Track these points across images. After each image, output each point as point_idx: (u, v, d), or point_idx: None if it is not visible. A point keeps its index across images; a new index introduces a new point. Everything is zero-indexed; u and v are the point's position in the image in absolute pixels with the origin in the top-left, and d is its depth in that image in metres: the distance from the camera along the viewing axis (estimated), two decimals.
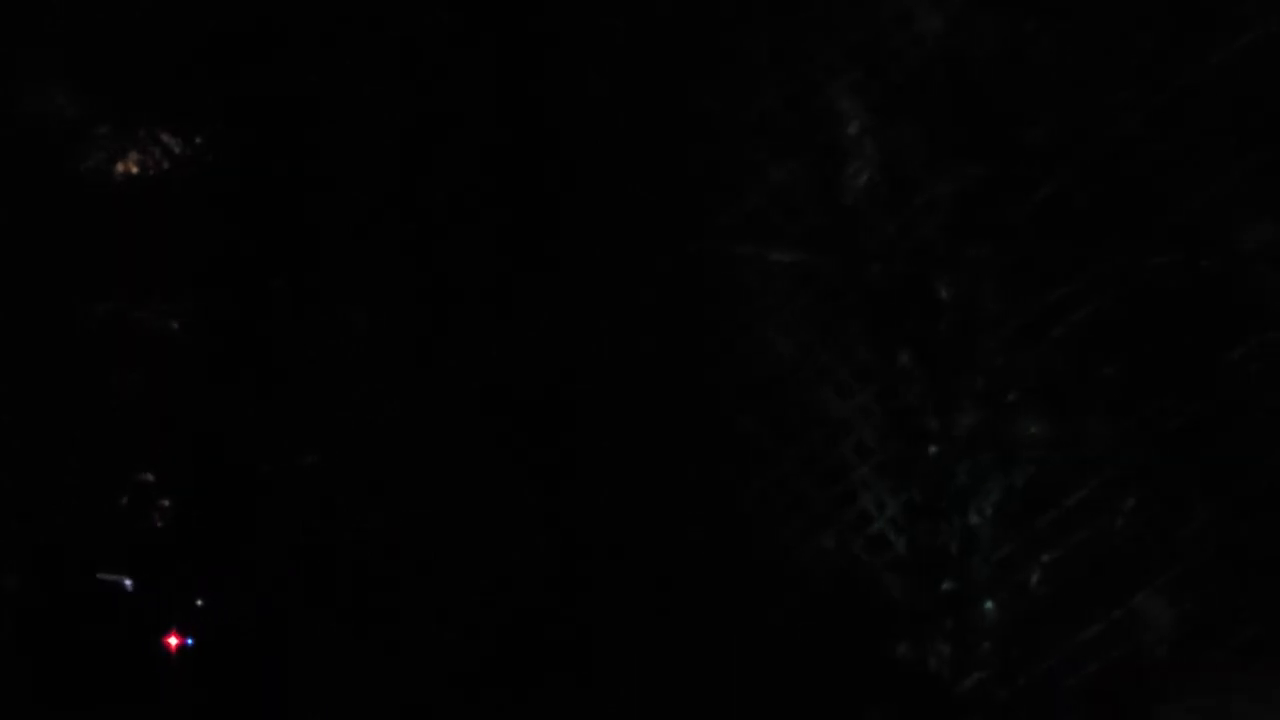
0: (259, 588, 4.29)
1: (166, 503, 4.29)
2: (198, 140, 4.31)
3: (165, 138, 4.31)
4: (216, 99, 4.31)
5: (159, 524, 4.30)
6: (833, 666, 4.22)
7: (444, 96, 4.29)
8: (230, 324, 4.34)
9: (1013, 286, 4.25)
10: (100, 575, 4.30)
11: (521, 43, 4.29)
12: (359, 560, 4.31)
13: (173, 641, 4.27)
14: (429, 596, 4.30)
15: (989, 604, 4.22)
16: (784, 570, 4.26)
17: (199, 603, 4.29)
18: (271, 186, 4.31)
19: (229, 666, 4.28)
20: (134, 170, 4.33)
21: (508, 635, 4.25)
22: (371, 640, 4.29)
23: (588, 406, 4.32)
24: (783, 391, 4.29)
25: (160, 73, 4.30)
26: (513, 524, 4.28)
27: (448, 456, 4.31)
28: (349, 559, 4.32)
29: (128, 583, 4.27)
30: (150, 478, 4.30)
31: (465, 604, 4.28)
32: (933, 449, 4.25)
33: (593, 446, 4.32)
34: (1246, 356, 4.18)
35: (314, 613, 4.30)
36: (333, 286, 4.32)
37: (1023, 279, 4.25)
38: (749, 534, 4.27)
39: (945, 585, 4.23)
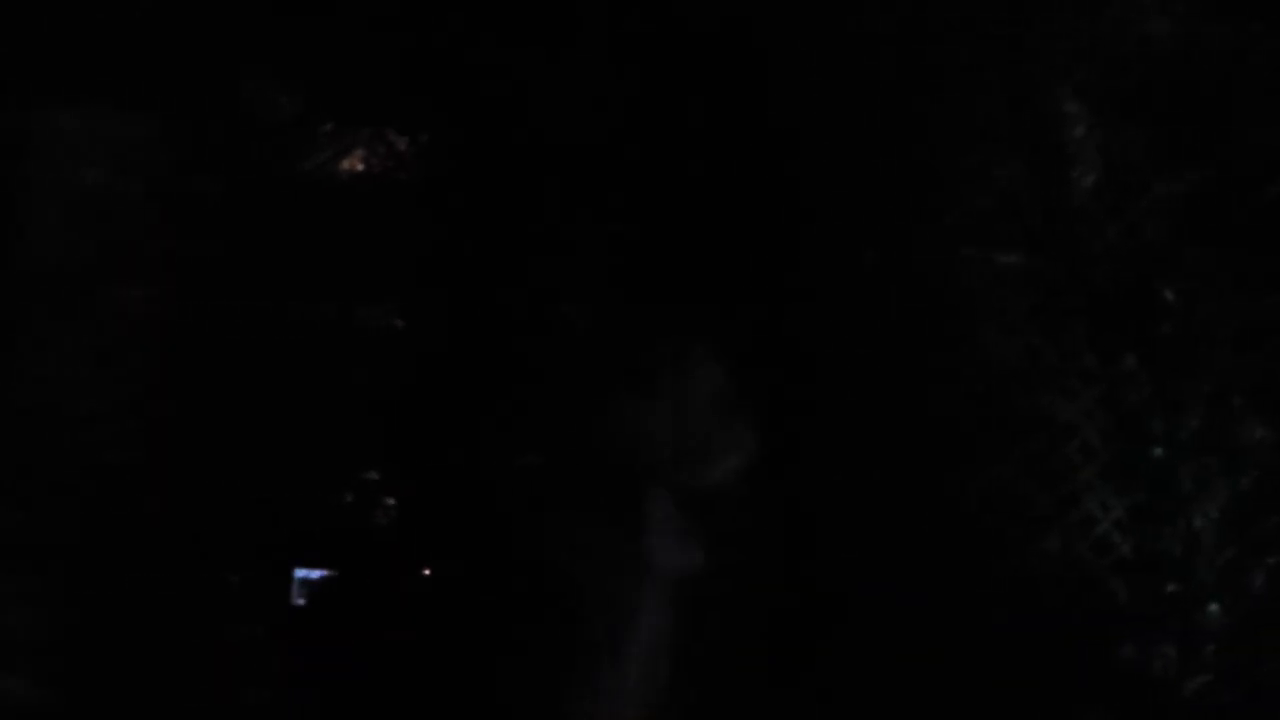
0: (478, 587, 4.30)
1: (390, 501, 4.30)
2: (422, 139, 4.31)
3: (390, 136, 4.31)
4: (441, 98, 4.30)
5: (382, 522, 4.31)
6: (1056, 668, 4.22)
7: (668, 97, 4.29)
8: (452, 323, 4.35)
9: (1238, 289, 4.25)
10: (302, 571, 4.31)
11: (748, 48, 4.28)
12: (575, 565, 4.31)
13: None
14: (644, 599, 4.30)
15: (1214, 607, 4.21)
16: (1006, 572, 4.26)
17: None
18: (495, 185, 4.31)
19: (450, 665, 4.29)
20: (358, 169, 4.33)
21: (734, 636, 4.25)
22: (591, 645, 4.29)
23: (808, 407, 4.33)
24: (1006, 393, 4.29)
25: (385, 71, 4.30)
26: (733, 539, 4.28)
27: None
28: (566, 562, 4.32)
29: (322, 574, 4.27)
30: (375, 476, 4.31)
31: (687, 602, 4.28)
32: (1157, 451, 4.25)
33: (813, 447, 4.32)
34: None
35: (532, 615, 4.30)
36: (556, 286, 4.32)
37: (1248, 281, 4.25)
38: (971, 536, 4.27)
39: (1170, 588, 4.23)
